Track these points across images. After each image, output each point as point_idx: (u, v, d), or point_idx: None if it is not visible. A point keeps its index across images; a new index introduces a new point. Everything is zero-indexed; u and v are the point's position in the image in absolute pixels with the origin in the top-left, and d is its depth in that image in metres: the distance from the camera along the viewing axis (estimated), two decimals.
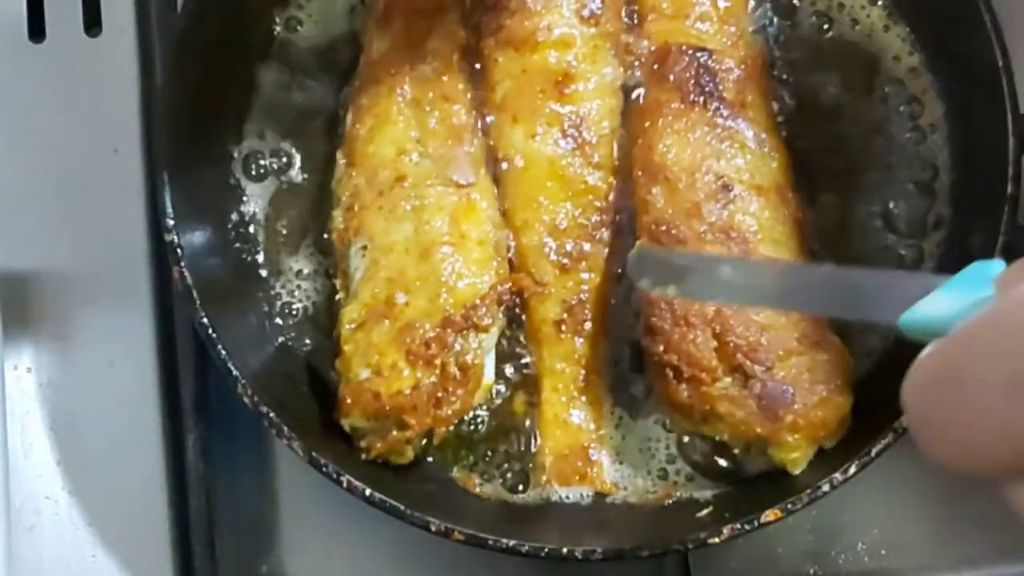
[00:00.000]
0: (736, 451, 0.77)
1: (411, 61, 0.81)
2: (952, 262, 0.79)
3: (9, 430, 0.81)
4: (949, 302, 0.48)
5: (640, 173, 0.78)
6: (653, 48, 0.81)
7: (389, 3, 0.83)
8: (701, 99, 0.79)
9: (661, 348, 0.74)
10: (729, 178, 0.77)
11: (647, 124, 0.79)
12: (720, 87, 0.79)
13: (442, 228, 0.76)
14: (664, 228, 0.75)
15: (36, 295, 0.83)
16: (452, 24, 0.82)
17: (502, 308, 0.76)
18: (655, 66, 0.80)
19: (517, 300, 0.79)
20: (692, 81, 0.79)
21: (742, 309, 0.73)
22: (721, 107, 0.79)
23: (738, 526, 0.71)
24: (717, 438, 0.75)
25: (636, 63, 0.82)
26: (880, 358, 0.78)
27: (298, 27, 0.85)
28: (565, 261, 0.78)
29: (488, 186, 0.79)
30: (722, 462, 0.77)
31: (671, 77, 0.79)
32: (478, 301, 0.75)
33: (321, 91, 0.85)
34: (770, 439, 0.73)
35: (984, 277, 0.48)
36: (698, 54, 0.79)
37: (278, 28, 0.85)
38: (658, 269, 0.70)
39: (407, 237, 0.76)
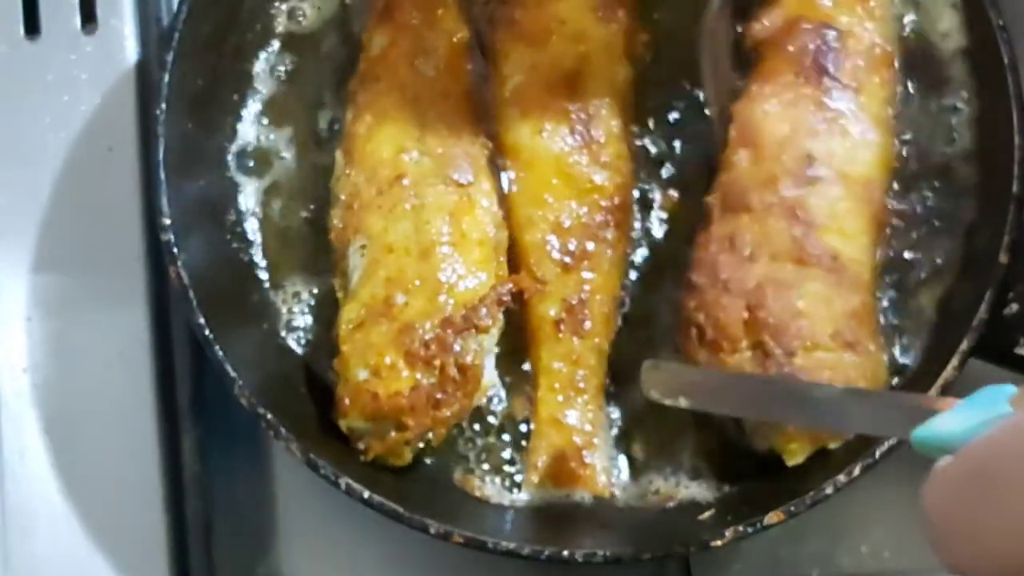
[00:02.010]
0: (745, 428, 0.76)
1: (411, 58, 0.80)
2: (956, 261, 0.79)
3: (4, 431, 0.81)
4: (964, 419, 0.50)
5: (734, 133, 0.78)
6: (785, 18, 0.80)
7: (389, 0, 0.82)
8: (815, 75, 0.78)
9: (693, 305, 0.74)
10: (818, 159, 0.76)
11: (754, 87, 0.79)
12: (838, 68, 0.78)
13: (442, 228, 0.76)
14: (737, 191, 0.76)
15: (31, 294, 0.83)
16: (453, 21, 0.82)
17: (502, 309, 0.76)
18: (779, 36, 0.80)
19: (517, 300, 0.78)
20: (811, 57, 0.78)
21: (786, 290, 0.73)
22: (833, 88, 0.78)
23: (741, 528, 0.70)
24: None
25: (763, 33, 0.81)
26: None
27: (301, 20, 0.85)
28: (567, 260, 0.78)
29: (489, 185, 0.79)
30: (724, 464, 0.77)
31: (791, 48, 0.79)
32: (478, 302, 0.74)
33: (321, 88, 0.84)
34: (769, 422, 0.73)
35: (999, 398, 0.50)
36: (824, 31, 0.79)
37: (278, 23, 0.85)
38: (667, 383, 0.72)
39: (406, 236, 0.75)
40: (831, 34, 0.79)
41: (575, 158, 0.79)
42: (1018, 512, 0.43)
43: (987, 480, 0.45)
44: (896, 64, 0.82)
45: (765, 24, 0.81)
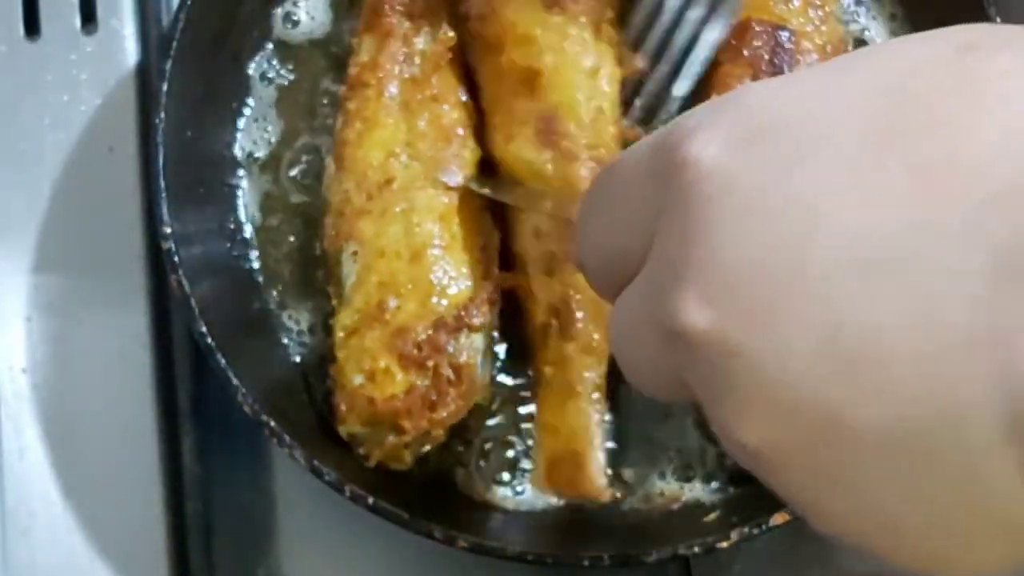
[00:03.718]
0: None
1: (400, 63, 0.80)
2: None
3: (3, 432, 0.80)
4: None
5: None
6: (734, 23, 0.80)
7: (376, 5, 0.82)
8: (773, 77, 0.77)
9: None
10: None
11: (714, 95, 0.78)
12: (794, 68, 0.78)
13: (432, 231, 0.76)
14: None
15: (30, 295, 0.83)
16: (441, 25, 0.81)
17: (494, 308, 0.76)
18: (733, 41, 0.80)
19: (511, 299, 0.78)
20: (767, 58, 0.78)
21: None
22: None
23: (746, 530, 0.70)
24: None
25: None
26: None
27: (296, 26, 0.85)
28: (547, 264, 0.77)
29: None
30: (729, 465, 0.77)
31: (746, 52, 0.79)
32: (469, 302, 0.74)
33: (320, 91, 0.84)
34: None
35: None
36: (778, 32, 0.79)
37: (274, 29, 0.85)
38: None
39: (397, 240, 0.75)
40: (784, 35, 0.79)
41: (544, 157, 0.76)
42: (623, 198, 0.45)
43: (611, 171, 0.47)
44: None
45: None
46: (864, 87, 0.39)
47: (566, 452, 0.76)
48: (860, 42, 0.85)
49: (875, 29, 0.85)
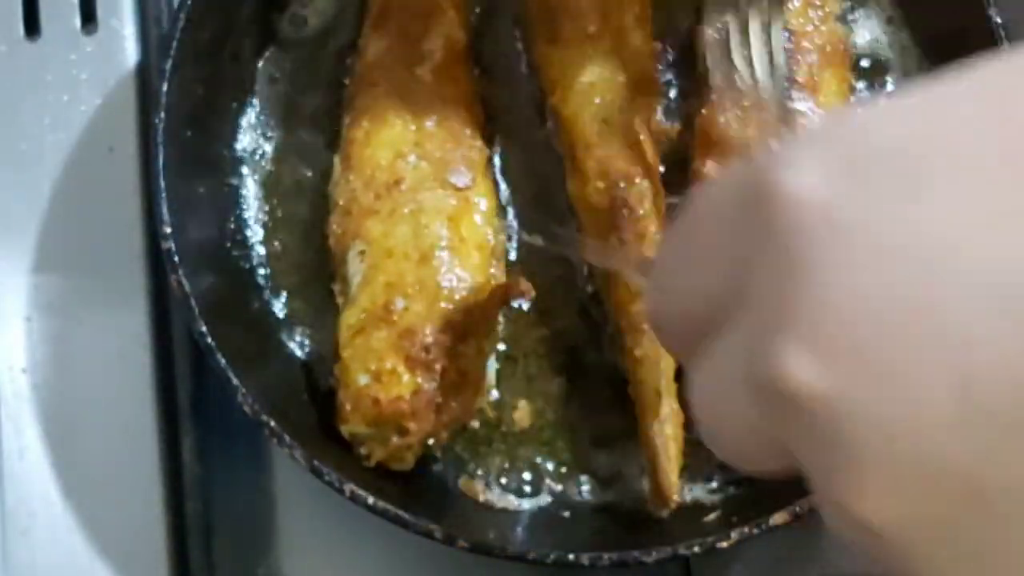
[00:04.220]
0: None
1: (408, 63, 0.80)
2: None
3: (3, 432, 0.80)
4: None
5: (698, 144, 0.78)
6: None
7: (384, 4, 0.82)
8: None
9: None
10: None
11: (714, 96, 0.79)
12: (793, 69, 0.78)
13: (440, 231, 0.76)
14: None
15: (30, 294, 0.83)
16: (450, 24, 0.82)
17: (501, 312, 0.76)
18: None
19: (519, 304, 0.78)
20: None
21: None
22: (791, 89, 0.78)
23: (747, 530, 0.70)
24: None
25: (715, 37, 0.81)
26: None
27: (299, 25, 0.85)
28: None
29: (487, 188, 0.79)
30: (728, 465, 0.76)
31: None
32: (478, 305, 0.74)
33: (323, 92, 0.84)
34: None
35: None
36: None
37: (276, 29, 0.85)
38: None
39: (405, 241, 0.75)
40: (784, 35, 0.79)
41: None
42: (705, 236, 0.39)
43: (690, 209, 0.41)
44: (849, 61, 0.82)
45: (716, 28, 0.81)
46: (995, 101, 0.34)
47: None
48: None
49: (872, 33, 0.85)
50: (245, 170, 0.83)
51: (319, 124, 0.84)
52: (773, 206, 0.35)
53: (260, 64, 0.84)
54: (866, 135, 0.35)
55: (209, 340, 0.73)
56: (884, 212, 0.33)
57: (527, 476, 0.78)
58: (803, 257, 0.34)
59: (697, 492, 0.77)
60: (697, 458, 0.77)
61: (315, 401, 0.78)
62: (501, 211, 0.80)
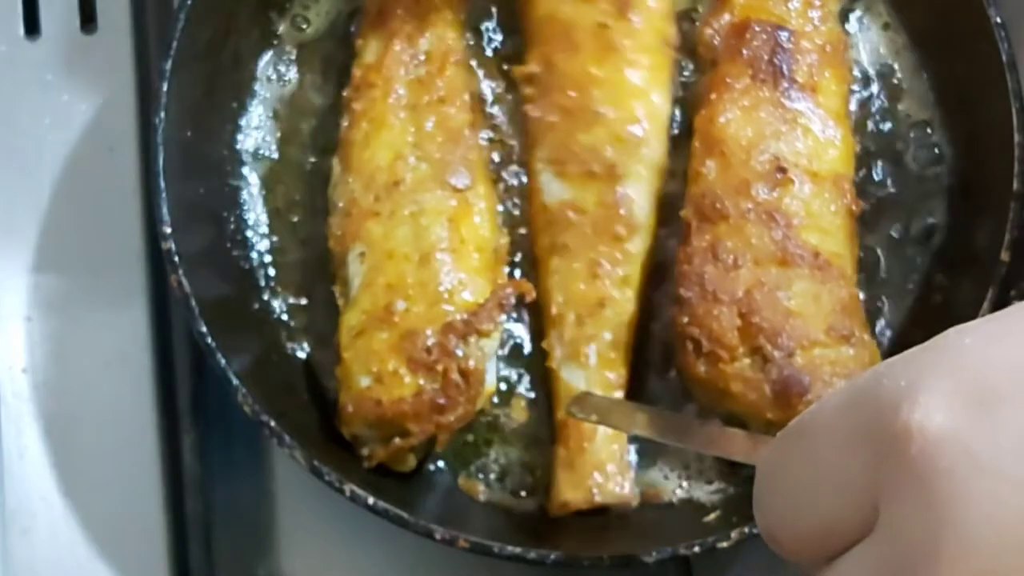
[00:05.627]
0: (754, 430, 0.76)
1: (406, 64, 0.80)
2: (958, 262, 0.79)
3: (4, 431, 0.80)
4: None
5: (698, 144, 0.78)
6: (734, 22, 0.81)
7: (382, 5, 0.82)
8: (772, 78, 0.78)
9: (686, 320, 0.73)
10: (785, 160, 0.76)
11: (712, 96, 0.79)
12: (793, 68, 0.78)
13: (441, 233, 0.76)
14: (710, 201, 0.75)
15: (30, 294, 0.83)
16: (448, 26, 0.82)
17: (503, 312, 0.76)
18: (732, 40, 0.80)
19: (521, 304, 0.78)
20: (766, 59, 0.78)
21: (774, 292, 0.73)
22: (791, 89, 0.78)
23: (746, 530, 0.70)
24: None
25: (715, 38, 0.81)
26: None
27: (300, 26, 0.85)
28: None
29: (487, 189, 0.79)
30: (728, 465, 0.77)
31: (745, 52, 0.79)
32: (479, 306, 0.74)
33: (322, 93, 0.84)
34: (780, 425, 0.72)
35: None
36: (777, 32, 0.79)
37: (276, 30, 0.85)
38: (592, 408, 0.72)
39: (406, 242, 0.75)
40: (784, 35, 0.79)
41: None
42: (827, 464, 0.42)
43: (804, 434, 0.44)
44: (849, 60, 0.83)
45: (715, 28, 0.81)
46: None
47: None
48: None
49: (870, 39, 0.85)
50: (245, 170, 0.83)
51: (318, 125, 0.84)
52: (902, 442, 0.37)
53: (260, 64, 0.84)
54: (984, 370, 0.37)
55: (209, 340, 0.73)
56: (1019, 448, 0.36)
57: (527, 476, 0.78)
58: (944, 494, 0.36)
59: (697, 492, 0.77)
60: (697, 458, 0.77)
61: (315, 401, 0.78)
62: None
